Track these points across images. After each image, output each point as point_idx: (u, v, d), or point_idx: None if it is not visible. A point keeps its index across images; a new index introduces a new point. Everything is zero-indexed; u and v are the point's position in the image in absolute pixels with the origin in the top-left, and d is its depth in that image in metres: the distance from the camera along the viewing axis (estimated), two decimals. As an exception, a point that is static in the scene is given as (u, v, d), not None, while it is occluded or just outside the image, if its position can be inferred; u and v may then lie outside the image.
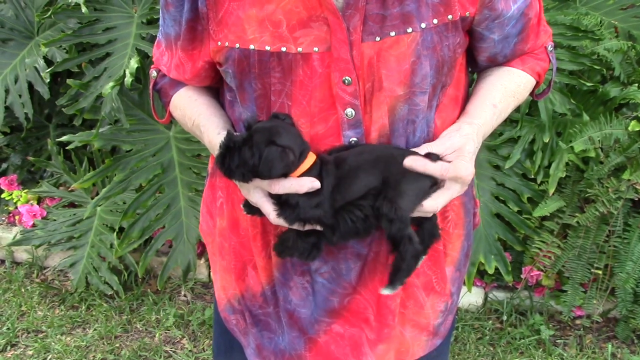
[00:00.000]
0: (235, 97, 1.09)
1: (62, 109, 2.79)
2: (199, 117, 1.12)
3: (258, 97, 1.03)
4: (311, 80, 0.99)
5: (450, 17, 1.00)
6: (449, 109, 1.10)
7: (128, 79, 2.47)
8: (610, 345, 2.63)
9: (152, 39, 2.82)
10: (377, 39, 0.98)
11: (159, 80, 1.22)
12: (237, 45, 1.01)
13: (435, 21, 0.98)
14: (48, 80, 2.88)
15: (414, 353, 1.23)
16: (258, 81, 1.02)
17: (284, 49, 0.98)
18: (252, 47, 1.00)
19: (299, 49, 0.98)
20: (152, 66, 1.23)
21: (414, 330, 1.20)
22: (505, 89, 1.12)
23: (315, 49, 0.98)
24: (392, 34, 0.98)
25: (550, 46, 1.18)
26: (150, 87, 1.24)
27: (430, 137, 1.07)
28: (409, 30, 0.98)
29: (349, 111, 1.00)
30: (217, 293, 1.29)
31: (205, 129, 1.10)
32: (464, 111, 1.10)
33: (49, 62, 2.99)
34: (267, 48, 0.99)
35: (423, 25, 0.98)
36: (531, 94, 1.22)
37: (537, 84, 1.19)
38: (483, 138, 1.09)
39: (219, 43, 1.03)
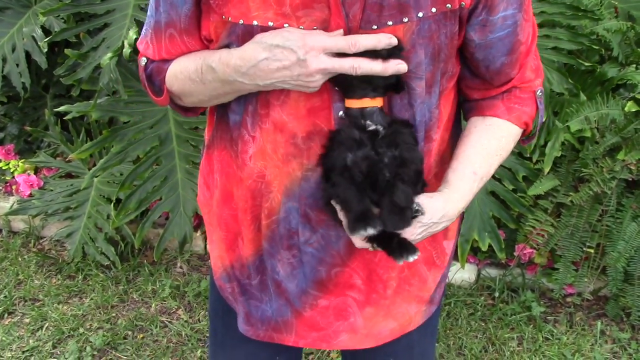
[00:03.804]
0: None
1: (60, 79, 2.78)
2: (205, 59, 1.06)
3: None
4: None
5: (449, 5, 1.00)
6: (449, 95, 1.12)
7: (126, 50, 2.46)
8: (599, 323, 2.67)
9: (150, 10, 2.80)
10: (375, 27, 0.99)
11: (149, 64, 1.18)
12: (241, 22, 1.01)
13: (434, 10, 0.99)
14: (46, 50, 2.86)
15: (416, 322, 1.28)
16: None
17: (286, 25, 0.99)
18: (255, 23, 1.00)
19: (301, 27, 0.99)
20: (140, 55, 1.19)
21: (418, 305, 1.24)
22: (487, 150, 1.12)
23: (315, 27, 0.99)
24: (390, 23, 0.98)
25: (539, 91, 1.16)
26: (140, 72, 1.19)
27: (434, 122, 1.09)
28: (405, 20, 0.98)
29: None
30: (213, 262, 1.31)
31: (216, 60, 1.04)
32: (445, 178, 1.11)
33: (46, 31, 2.98)
34: (270, 24, 0.99)
35: (420, 14, 0.98)
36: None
37: (525, 131, 1.18)
38: (464, 206, 1.10)
39: (224, 17, 1.03)
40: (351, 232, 1.02)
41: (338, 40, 0.96)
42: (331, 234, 1.12)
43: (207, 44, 1.10)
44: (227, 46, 1.05)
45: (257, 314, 1.24)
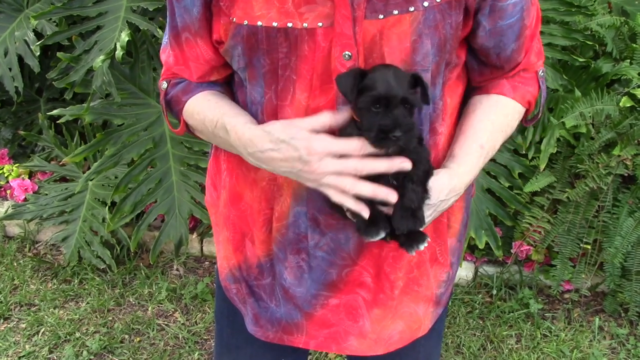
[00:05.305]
0: (243, 79, 1.10)
1: (53, 82, 2.78)
2: (223, 116, 1.09)
3: (266, 73, 1.04)
4: (314, 54, 1.00)
5: None
6: (454, 86, 1.12)
7: (119, 53, 2.45)
8: (597, 319, 2.66)
9: (143, 12, 2.79)
10: (381, 16, 0.98)
11: (170, 89, 1.20)
12: (246, 22, 1.01)
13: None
14: (38, 53, 2.85)
15: (425, 327, 1.26)
16: (267, 57, 1.03)
17: (290, 24, 0.99)
18: (259, 23, 1.00)
19: (305, 25, 0.99)
20: (161, 78, 1.22)
21: (425, 305, 1.23)
22: (493, 125, 1.13)
23: (320, 24, 0.99)
24: (395, 12, 0.98)
25: (541, 71, 1.18)
26: (161, 98, 1.21)
27: (438, 114, 1.09)
28: (411, 9, 0.98)
29: None
30: (219, 262, 1.31)
31: (232, 126, 1.06)
32: (450, 153, 1.11)
33: (39, 35, 2.97)
34: (274, 24, 0.99)
35: (426, 3, 0.98)
36: (521, 120, 1.21)
37: (527, 111, 1.19)
38: (470, 180, 1.10)
39: (231, 18, 1.03)
40: (364, 236, 1.03)
41: (344, 144, 0.96)
42: (340, 237, 1.11)
43: (217, 47, 1.10)
44: (233, 48, 1.05)
45: (266, 315, 1.23)
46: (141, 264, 3.02)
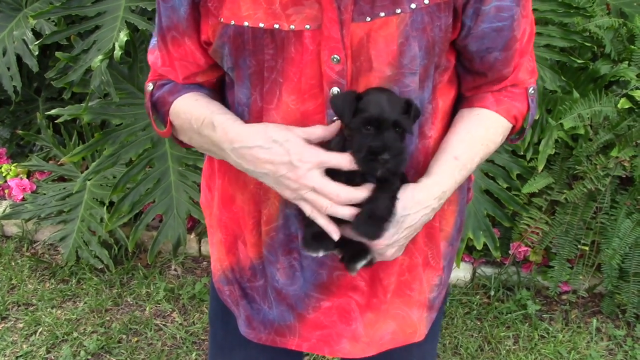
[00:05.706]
0: (231, 80, 1.10)
1: (51, 82, 2.78)
2: (212, 114, 1.07)
3: (252, 74, 1.04)
4: (302, 57, 0.99)
5: None
6: (446, 89, 1.11)
7: (117, 52, 2.45)
8: (595, 320, 2.67)
9: (141, 12, 2.79)
10: (368, 19, 0.98)
11: (156, 91, 1.18)
12: (232, 22, 1.01)
13: (426, 1, 0.98)
14: (37, 53, 2.85)
15: (422, 333, 1.25)
16: (252, 58, 1.02)
17: (276, 25, 0.98)
18: (246, 24, 1.00)
19: (292, 27, 0.98)
20: (148, 80, 1.20)
21: (419, 310, 1.22)
22: (472, 137, 1.09)
23: (307, 26, 0.98)
24: (382, 14, 0.97)
25: (532, 89, 1.14)
26: (146, 101, 1.20)
27: (427, 117, 1.07)
28: (398, 11, 0.97)
29: (335, 90, 1.01)
30: (213, 264, 1.31)
31: (220, 122, 1.05)
32: (428, 168, 1.09)
33: (37, 34, 2.97)
34: (261, 25, 0.99)
35: (413, 5, 0.97)
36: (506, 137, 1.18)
37: (514, 128, 1.15)
38: (442, 191, 1.06)
39: (219, 18, 1.03)
40: (304, 248, 1.04)
41: (335, 157, 0.97)
42: None
43: (205, 48, 1.10)
44: (221, 48, 1.05)
45: (258, 317, 1.22)
46: (139, 264, 3.02)
